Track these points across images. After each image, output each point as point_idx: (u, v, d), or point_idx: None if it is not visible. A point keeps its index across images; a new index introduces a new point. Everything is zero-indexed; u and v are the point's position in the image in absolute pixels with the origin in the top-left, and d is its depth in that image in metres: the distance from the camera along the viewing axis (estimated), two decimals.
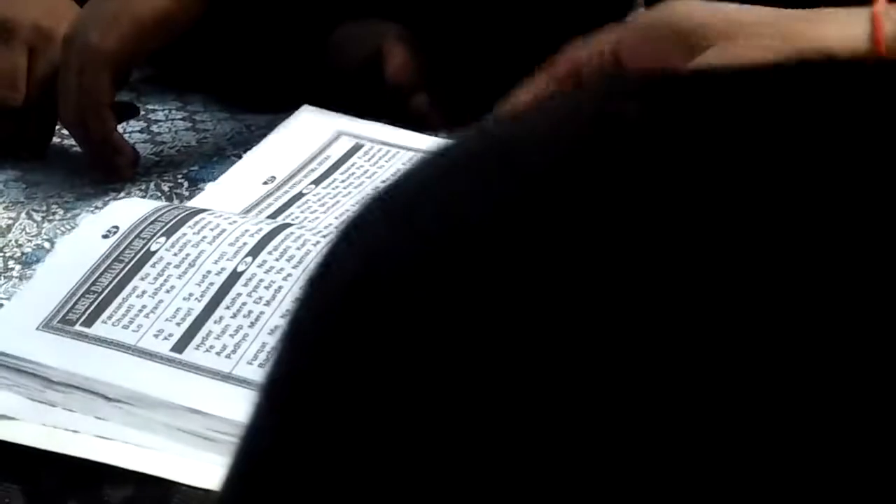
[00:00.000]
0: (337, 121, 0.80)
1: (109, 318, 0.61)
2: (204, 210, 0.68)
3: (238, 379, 0.58)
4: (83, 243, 0.66)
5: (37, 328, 0.62)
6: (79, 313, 0.62)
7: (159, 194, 0.86)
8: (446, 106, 0.92)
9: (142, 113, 0.98)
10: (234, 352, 0.59)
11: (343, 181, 0.75)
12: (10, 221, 0.83)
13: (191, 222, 0.66)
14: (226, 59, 0.99)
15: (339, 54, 0.95)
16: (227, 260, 0.63)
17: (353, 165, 0.76)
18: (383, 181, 0.74)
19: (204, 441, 0.56)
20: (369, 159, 0.77)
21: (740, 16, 0.65)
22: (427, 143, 0.78)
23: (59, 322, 0.62)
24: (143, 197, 0.85)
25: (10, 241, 0.80)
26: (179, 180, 0.88)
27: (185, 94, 1.01)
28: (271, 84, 0.95)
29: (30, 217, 0.83)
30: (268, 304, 0.61)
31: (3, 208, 0.85)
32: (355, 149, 0.78)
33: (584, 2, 0.99)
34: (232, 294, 0.62)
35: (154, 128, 0.97)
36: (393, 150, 0.77)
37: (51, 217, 0.83)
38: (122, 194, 0.85)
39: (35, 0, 0.92)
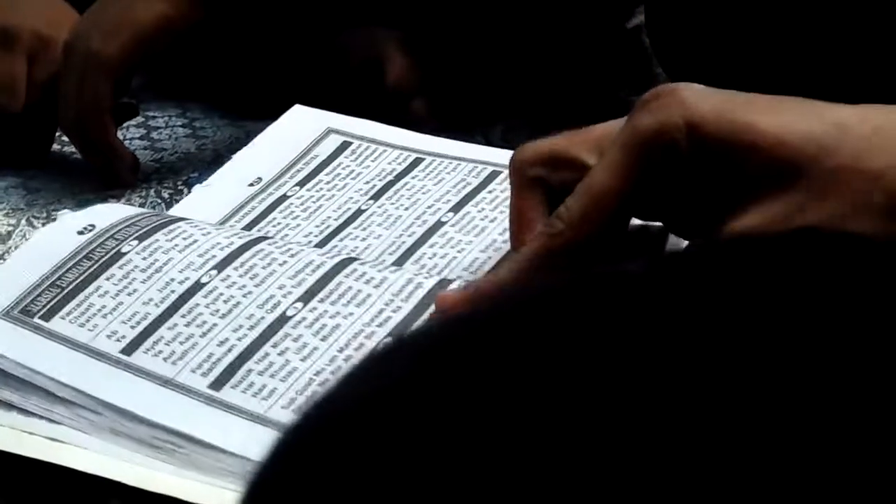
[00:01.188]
0: (327, 118, 0.80)
1: (69, 314, 0.62)
2: (182, 219, 0.68)
3: (178, 385, 0.58)
4: (57, 237, 0.66)
5: None
6: (40, 305, 0.62)
7: (159, 201, 0.86)
8: (445, 110, 0.92)
9: (142, 119, 0.98)
10: (180, 358, 0.59)
11: (328, 182, 0.75)
12: (11, 228, 0.84)
13: (166, 230, 0.66)
14: (225, 65, 1.00)
15: (340, 60, 0.95)
16: (193, 270, 0.63)
17: (338, 165, 0.76)
18: (366, 182, 0.74)
19: (148, 448, 0.56)
20: (356, 158, 0.77)
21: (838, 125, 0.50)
22: (415, 140, 0.78)
23: (19, 312, 0.62)
24: (143, 204, 0.86)
25: (10, 247, 0.81)
26: (179, 187, 0.89)
27: (185, 100, 1.02)
28: (271, 90, 0.95)
29: (30, 224, 0.84)
30: (223, 316, 0.61)
31: (4, 215, 0.86)
32: (343, 147, 0.78)
33: (582, 10, 0.98)
34: (190, 304, 0.62)
35: (154, 134, 0.97)
36: (380, 149, 0.77)
37: (51, 224, 0.84)
38: (122, 201, 0.86)
39: (36, 8, 0.93)
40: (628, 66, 1.02)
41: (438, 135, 0.79)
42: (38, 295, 0.63)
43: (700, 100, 0.52)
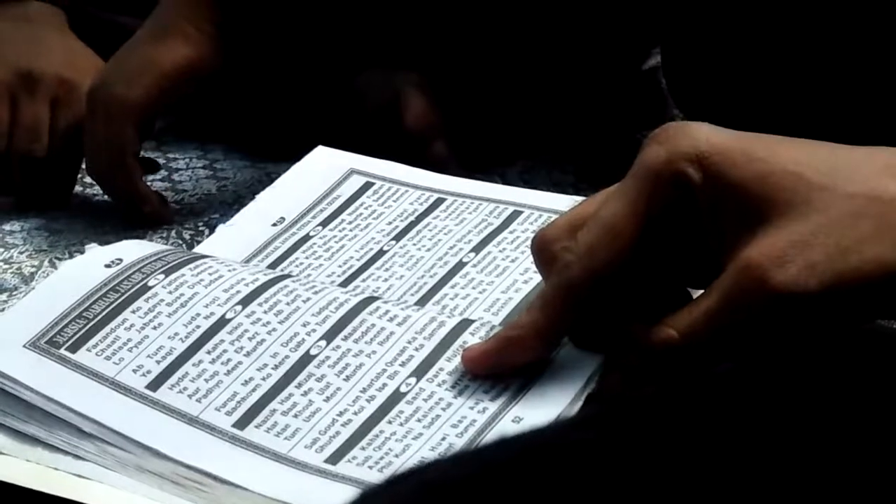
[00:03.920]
0: (349, 158, 0.81)
1: (95, 346, 0.62)
2: (208, 256, 0.68)
3: (203, 423, 0.58)
4: (85, 269, 0.67)
5: (23, 345, 0.62)
6: (66, 337, 0.62)
7: (181, 242, 0.87)
8: (462, 151, 0.93)
9: (163, 162, 0.99)
10: (205, 396, 0.60)
11: (350, 222, 0.76)
12: (34, 269, 0.85)
13: (192, 265, 0.67)
14: (245, 107, 1.01)
15: (359, 102, 0.96)
16: (218, 305, 0.64)
17: (361, 205, 0.77)
18: (388, 222, 0.75)
19: (172, 485, 0.56)
20: (378, 199, 0.77)
21: (821, 161, 0.52)
22: (437, 180, 0.78)
23: (45, 342, 0.62)
24: (165, 244, 0.86)
25: (32, 288, 0.82)
26: (200, 228, 0.89)
27: (206, 142, 1.02)
28: (290, 133, 0.96)
29: (52, 265, 0.85)
30: (247, 354, 0.62)
31: (27, 256, 0.86)
32: (366, 187, 0.79)
33: (599, 51, 0.99)
34: (215, 340, 0.62)
35: (175, 176, 0.98)
36: (402, 189, 0.78)
37: (79, 256, 0.85)
38: (145, 242, 0.86)
39: (58, 52, 0.94)
40: (645, 107, 1.02)
41: (457, 175, 0.80)
42: (65, 326, 0.63)
43: (710, 133, 0.53)
